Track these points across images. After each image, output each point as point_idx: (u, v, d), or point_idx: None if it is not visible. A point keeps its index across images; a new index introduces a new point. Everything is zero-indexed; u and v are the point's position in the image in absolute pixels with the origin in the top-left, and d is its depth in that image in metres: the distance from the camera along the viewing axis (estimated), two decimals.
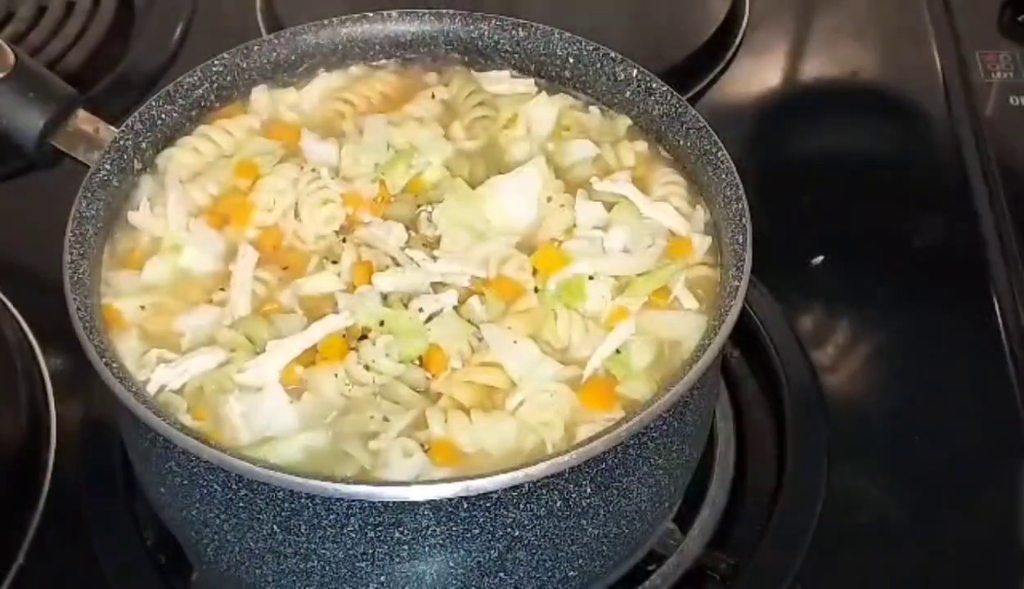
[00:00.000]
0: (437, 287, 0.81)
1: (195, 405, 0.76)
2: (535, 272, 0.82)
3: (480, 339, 0.79)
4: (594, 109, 0.94)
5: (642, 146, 0.92)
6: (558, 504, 0.73)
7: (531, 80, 0.96)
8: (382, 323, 0.79)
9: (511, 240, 0.85)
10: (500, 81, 0.96)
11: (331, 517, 0.71)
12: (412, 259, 0.83)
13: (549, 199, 0.87)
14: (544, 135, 0.93)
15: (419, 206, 0.87)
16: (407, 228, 0.85)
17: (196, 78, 0.92)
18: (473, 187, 0.87)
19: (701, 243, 0.85)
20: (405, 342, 0.78)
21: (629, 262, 0.83)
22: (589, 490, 0.74)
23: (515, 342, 0.78)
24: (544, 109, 0.94)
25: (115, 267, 0.84)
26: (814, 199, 1.16)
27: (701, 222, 0.86)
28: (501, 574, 0.75)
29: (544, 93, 0.95)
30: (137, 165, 0.88)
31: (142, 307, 0.81)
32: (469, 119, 0.93)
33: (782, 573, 0.88)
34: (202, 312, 0.81)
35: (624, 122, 0.93)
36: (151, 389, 0.76)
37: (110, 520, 0.90)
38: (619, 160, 0.91)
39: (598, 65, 0.94)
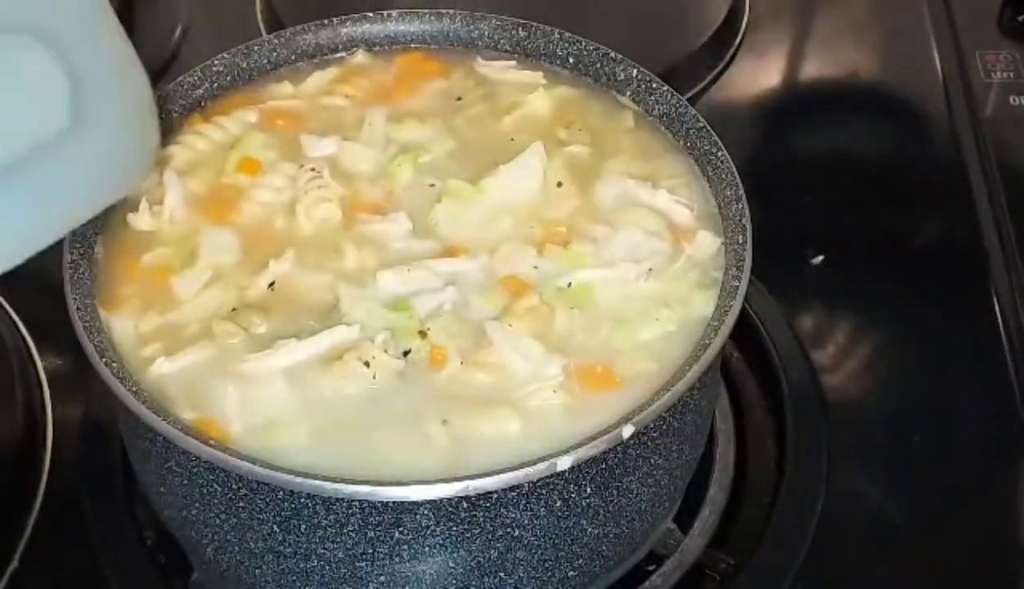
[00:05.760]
0: (440, 285, 0.81)
1: (194, 394, 0.76)
2: (538, 268, 0.82)
3: (483, 337, 0.78)
4: (600, 98, 0.94)
5: (648, 137, 0.91)
6: (558, 504, 0.73)
7: (539, 73, 0.95)
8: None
9: (515, 234, 0.85)
10: (505, 70, 0.96)
11: (331, 517, 0.71)
12: (415, 257, 0.82)
13: (559, 184, 0.87)
14: (547, 123, 0.93)
15: (421, 202, 0.87)
16: (410, 224, 0.85)
17: (196, 78, 0.93)
18: (476, 179, 0.87)
19: (704, 236, 0.84)
20: (405, 341, 0.78)
21: (634, 258, 0.83)
22: (589, 490, 0.74)
23: (518, 340, 0.78)
24: (546, 98, 0.94)
25: (112, 260, 0.83)
26: (814, 199, 1.16)
27: (705, 215, 0.86)
28: (501, 574, 0.75)
29: (547, 82, 0.95)
30: None
31: (139, 299, 0.81)
32: (471, 109, 0.93)
33: (782, 573, 0.88)
34: (200, 302, 0.81)
35: (630, 112, 0.93)
36: (149, 381, 0.76)
37: (110, 520, 0.90)
38: (624, 149, 0.90)
39: (598, 65, 0.94)
